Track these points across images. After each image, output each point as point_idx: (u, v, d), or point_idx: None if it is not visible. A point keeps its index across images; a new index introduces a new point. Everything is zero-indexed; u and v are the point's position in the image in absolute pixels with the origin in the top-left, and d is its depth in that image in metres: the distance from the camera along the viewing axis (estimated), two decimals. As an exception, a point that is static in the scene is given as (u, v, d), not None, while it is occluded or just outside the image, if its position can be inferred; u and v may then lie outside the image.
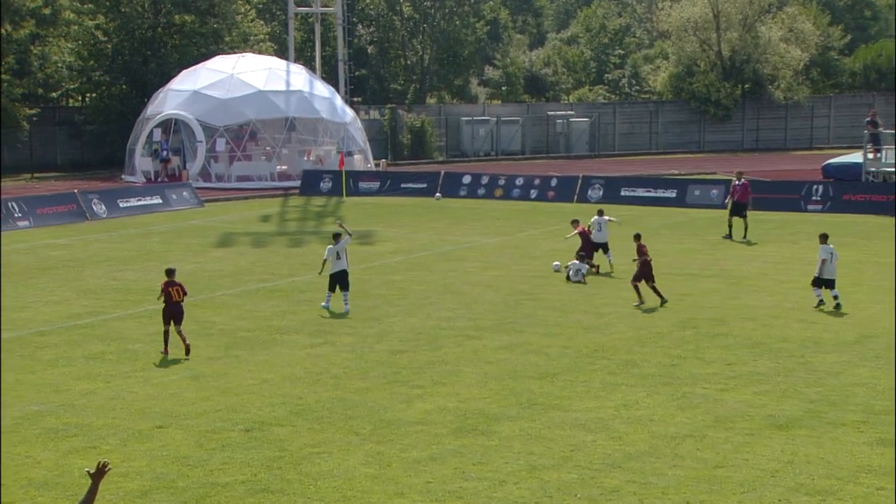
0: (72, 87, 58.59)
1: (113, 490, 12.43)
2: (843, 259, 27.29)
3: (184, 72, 50.18)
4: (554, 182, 43.45)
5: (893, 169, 40.48)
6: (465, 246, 31.23)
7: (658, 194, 41.06)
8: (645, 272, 22.54)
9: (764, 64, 65.72)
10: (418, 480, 12.79)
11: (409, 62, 72.60)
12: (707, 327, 20.47)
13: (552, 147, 64.16)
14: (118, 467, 13.08)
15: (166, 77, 51.38)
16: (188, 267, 27.85)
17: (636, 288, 22.45)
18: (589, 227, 27.06)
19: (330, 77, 57.07)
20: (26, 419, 15.18)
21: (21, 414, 15.42)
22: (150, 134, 47.97)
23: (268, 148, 48.77)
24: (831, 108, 67.57)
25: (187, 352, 18.61)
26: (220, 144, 47.13)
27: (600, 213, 27.84)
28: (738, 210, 31.81)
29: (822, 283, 22.01)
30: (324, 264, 22.58)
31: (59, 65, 54.98)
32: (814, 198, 38.62)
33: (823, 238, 22.28)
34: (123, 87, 55.99)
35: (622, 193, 41.57)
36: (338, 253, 22.11)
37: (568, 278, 25.17)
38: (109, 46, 55.58)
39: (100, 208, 38.74)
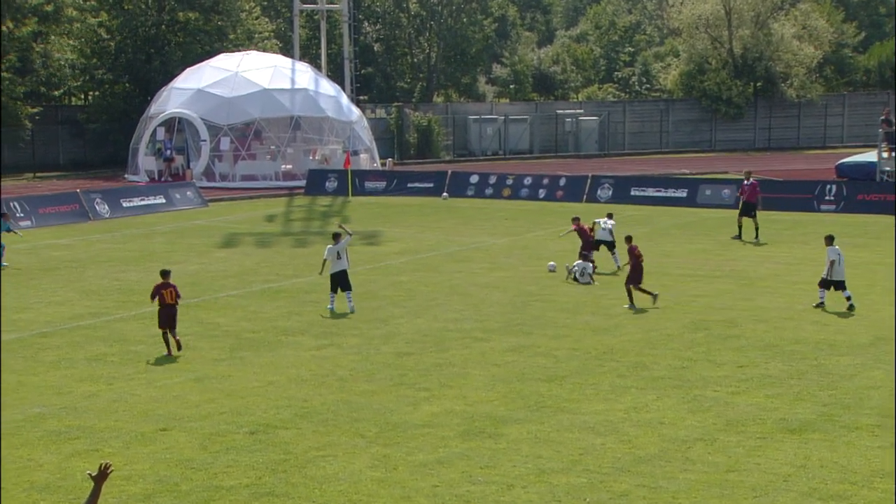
0: (74, 85, 58.78)
1: (115, 493, 12.45)
2: (857, 260, 27.26)
3: (187, 70, 50.29)
4: (563, 182, 43.43)
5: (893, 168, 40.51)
6: (472, 246, 31.23)
7: (668, 194, 41.03)
8: (636, 274, 22.53)
9: (776, 62, 65.63)
10: (425, 484, 12.79)
11: (415, 60, 72.63)
12: (718, 329, 20.44)
13: (561, 146, 64.15)
14: (121, 470, 13.10)
15: (170, 75, 51.50)
16: (192, 267, 27.90)
17: (629, 291, 22.51)
18: (593, 225, 27.06)
19: (336, 75, 57.15)
20: (28, 421, 15.22)
21: (23, 416, 15.45)
22: (154, 133, 48.08)
23: (272, 147, 48.85)
24: (845, 106, 67.46)
25: (178, 347, 18.75)
26: (225, 143, 47.22)
27: (610, 216, 27.79)
28: (747, 210, 31.77)
29: (829, 284, 22.00)
30: (324, 264, 22.63)
31: (62, 63, 55.12)
32: (827, 198, 38.55)
33: (829, 240, 22.29)
34: (126, 85, 56.14)
35: (632, 193, 41.55)
36: (338, 253, 22.15)
37: (575, 279, 25.14)
38: (112, 44, 55.74)
39: (102, 208, 38.83)
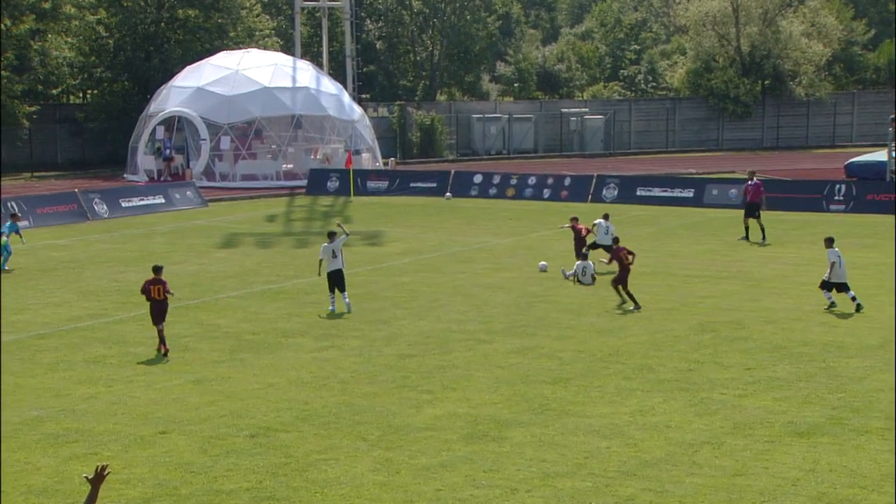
0: (73, 83, 58.82)
1: (114, 497, 12.46)
2: (867, 261, 27.24)
3: (187, 68, 50.32)
4: (567, 181, 43.42)
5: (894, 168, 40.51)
6: (475, 247, 31.24)
7: (675, 194, 41.00)
8: (623, 276, 22.57)
9: (785, 59, 65.57)
10: (428, 488, 12.79)
11: (418, 58, 72.64)
12: (725, 331, 20.42)
13: (566, 145, 64.13)
14: (119, 474, 13.12)
15: (169, 73, 51.54)
16: (191, 268, 27.92)
17: (617, 290, 22.60)
18: (593, 227, 27.09)
19: (337, 73, 57.17)
20: (26, 424, 15.23)
21: (20, 419, 15.47)
22: (153, 132, 48.11)
23: (273, 146, 48.87)
24: (854, 104, 67.38)
25: (163, 351, 18.83)
26: (225, 142, 47.24)
27: (606, 217, 27.85)
28: (751, 211, 31.79)
29: (831, 286, 22.02)
30: (320, 264, 22.66)
31: (60, 61, 55.17)
32: (836, 198, 38.51)
33: (829, 241, 22.34)
34: (125, 83, 56.18)
35: (638, 193, 41.53)
36: (333, 251, 22.22)
37: (578, 281, 25.13)
38: (111, 42, 55.79)
39: (101, 208, 38.87)
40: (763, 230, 31.46)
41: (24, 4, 52.18)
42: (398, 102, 62.79)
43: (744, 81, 64.86)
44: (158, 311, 18.92)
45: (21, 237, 29.26)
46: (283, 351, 19.28)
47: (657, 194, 41.24)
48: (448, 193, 43.61)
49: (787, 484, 12.86)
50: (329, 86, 50.54)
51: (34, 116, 53.11)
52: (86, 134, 55.71)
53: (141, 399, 16.39)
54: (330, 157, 48.69)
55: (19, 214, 30.33)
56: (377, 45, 70.66)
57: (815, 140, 66.49)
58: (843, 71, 72.86)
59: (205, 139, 47.00)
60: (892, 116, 42.63)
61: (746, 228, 31.84)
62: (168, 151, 47.76)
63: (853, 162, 45.40)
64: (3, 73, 51.35)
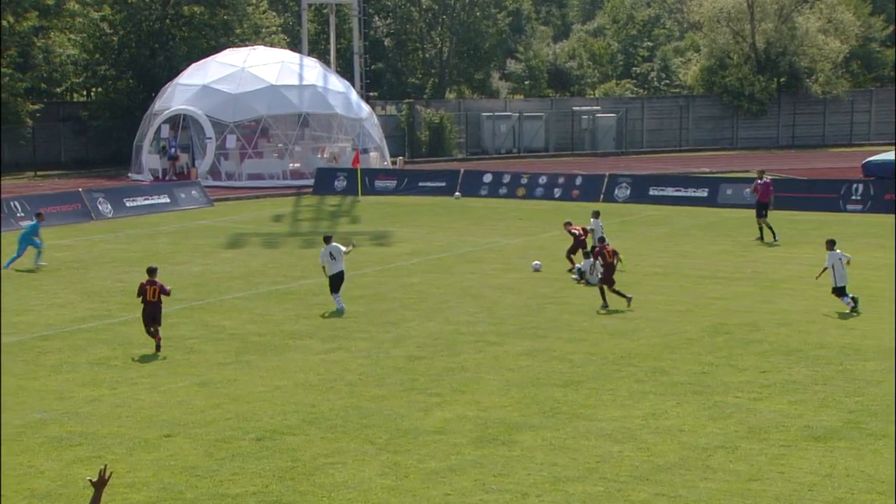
0: (76, 81, 59.00)
1: (119, 501, 12.49)
2: (882, 262, 27.16)
3: (193, 65, 50.43)
4: (579, 181, 43.40)
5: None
6: (485, 247, 31.24)
7: (688, 193, 40.95)
8: (608, 276, 22.68)
9: (801, 56, 65.42)
10: (437, 492, 12.80)
11: (427, 55, 72.66)
12: (740, 333, 20.39)
13: (577, 144, 64.09)
14: (124, 477, 13.15)
15: (174, 71, 51.66)
16: (197, 269, 27.98)
17: (602, 292, 22.66)
18: (590, 230, 27.13)
19: (345, 71, 57.21)
20: (29, 427, 15.28)
21: (23, 422, 15.52)
22: (158, 130, 48.22)
23: (280, 145, 48.95)
24: (872, 102, 67.18)
25: (157, 348, 19.09)
26: (231, 141, 47.34)
27: (596, 214, 27.92)
28: (759, 210, 31.85)
29: (838, 292, 22.02)
30: (324, 269, 22.86)
31: (64, 58, 55.33)
32: (853, 197, 38.42)
33: (830, 244, 22.33)
34: (130, 81, 56.31)
35: (650, 192, 41.49)
36: (330, 254, 22.60)
37: (587, 282, 25.10)
38: (115, 39, 55.94)
39: (105, 208, 38.97)
40: (772, 229, 31.47)
41: (28, 1, 52.33)
42: (407, 100, 62.83)
43: (759, 79, 64.72)
44: (152, 313, 19.21)
45: (40, 238, 29.07)
46: (290, 353, 19.31)
47: (670, 194, 41.19)
48: (457, 193, 43.62)
49: (803, 489, 12.83)
50: (336, 83, 50.60)
51: (37, 115, 53.29)
52: (90, 132, 55.86)
53: (145, 402, 16.43)
54: (337, 155, 48.74)
55: (43, 215, 30.35)
56: (385, 42, 70.69)
57: (832, 139, 66.32)
58: (861, 68, 72.64)
59: (210, 138, 47.09)
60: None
61: (760, 228, 31.84)
62: (173, 150, 47.85)
63: (871, 161, 45.25)
64: (5, 70, 51.54)
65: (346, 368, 18.21)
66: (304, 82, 49.10)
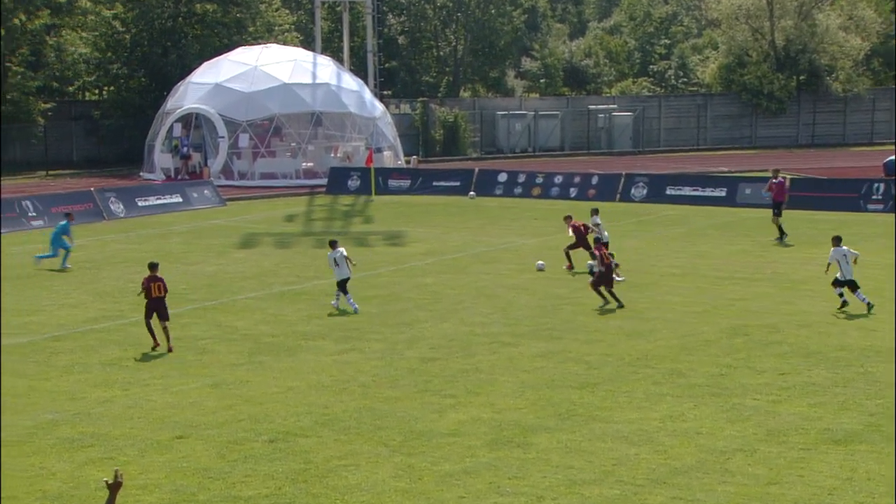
0: (88, 80, 59.24)
1: (131, 503, 12.54)
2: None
3: (205, 64, 50.58)
4: (595, 180, 43.35)
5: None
6: (500, 247, 31.23)
7: (706, 193, 40.85)
8: (605, 278, 22.77)
9: (821, 54, 65.17)
10: (451, 495, 12.80)
11: (441, 53, 72.70)
12: (758, 334, 20.33)
13: (593, 143, 64.02)
14: (136, 479, 13.20)
15: (187, 69, 51.82)
16: (209, 269, 28.06)
17: (598, 292, 22.76)
18: (594, 227, 27.10)
19: (358, 69, 57.30)
20: (40, 428, 15.35)
21: (35, 423, 15.59)
22: (170, 129, 48.37)
23: (293, 144, 49.04)
24: (894, 100, 66.84)
25: (169, 350, 19.35)
26: (243, 140, 47.46)
27: (595, 211, 27.95)
28: (775, 209, 31.80)
29: (843, 283, 22.12)
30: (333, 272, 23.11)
31: (76, 57, 55.57)
32: (874, 197, 38.25)
33: (836, 241, 22.40)
34: (142, 79, 56.52)
35: (667, 192, 41.41)
36: (335, 260, 22.86)
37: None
38: (128, 37, 56.14)
39: (117, 207, 39.12)
40: (780, 228, 31.44)
41: (40, -1, 52.62)
42: (421, 99, 62.87)
43: (778, 77, 64.51)
44: (155, 308, 19.50)
45: (71, 239, 29.02)
46: (303, 354, 19.35)
47: (688, 193, 41.09)
48: (472, 192, 43.62)
49: (823, 493, 12.78)
50: (350, 82, 50.67)
51: (49, 113, 53.55)
52: (102, 131, 56.08)
53: (158, 403, 16.49)
54: (351, 155, 48.80)
55: (73, 214, 30.45)
56: (399, 40, 70.75)
57: (853, 137, 66.07)
58: (882, 66, 72.32)
59: (223, 137, 47.21)
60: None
61: (779, 228, 31.76)
62: (185, 149, 47.99)
63: (892, 160, 45.06)
64: (17, 69, 51.81)
65: (359, 370, 18.23)
66: (318, 81, 49.18)
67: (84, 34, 56.27)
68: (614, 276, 24.57)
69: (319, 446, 14.47)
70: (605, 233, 27.29)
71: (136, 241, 33.25)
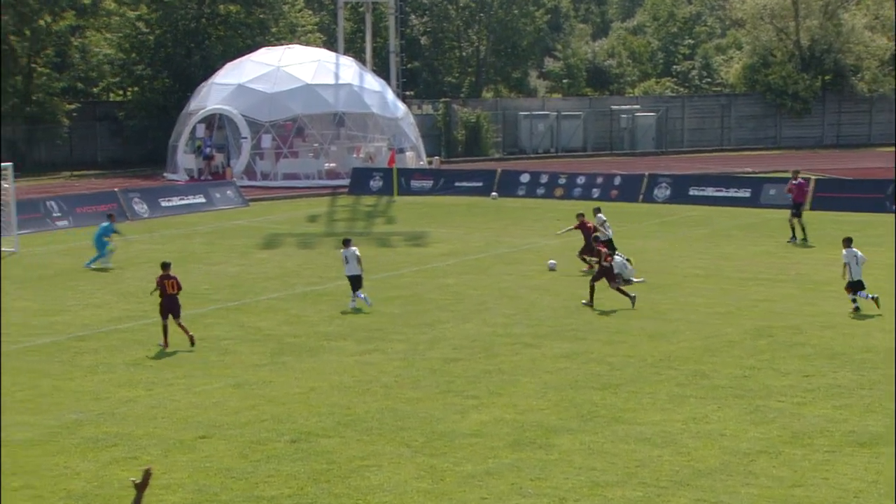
0: (113, 80, 59.56)
1: (154, 502, 12.61)
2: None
3: (228, 64, 50.77)
4: (618, 181, 43.24)
5: None
6: (522, 248, 31.20)
7: (730, 194, 40.67)
8: (604, 275, 22.80)
9: (846, 54, 64.77)
10: (473, 496, 12.80)
11: (464, 54, 72.69)
12: (783, 336, 20.23)
13: (616, 143, 63.86)
14: (160, 479, 13.27)
15: (210, 70, 52.03)
16: (232, 269, 28.17)
17: (592, 288, 22.82)
18: (601, 225, 27.04)
19: (381, 70, 57.37)
20: (65, 428, 15.46)
21: (59, 423, 15.70)
22: (193, 130, 48.58)
23: (315, 144, 49.16)
24: (919, 101, 66.39)
25: (192, 342, 19.72)
26: (266, 141, 47.61)
27: (598, 210, 27.92)
28: (795, 210, 31.69)
29: (860, 285, 22.02)
30: None
31: (100, 58, 55.90)
32: (900, 197, 37.97)
33: (847, 242, 22.35)
34: (166, 80, 56.79)
35: (691, 193, 41.25)
36: (346, 258, 23.05)
37: (624, 279, 24.94)
38: (152, 38, 56.44)
39: (141, 208, 39.34)
40: (794, 230, 31.32)
41: (65, 1, 52.93)
42: (443, 99, 62.87)
43: (803, 77, 64.15)
44: (170, 305, 19.81)
45: (112, 239, 29.10)
46: (326, 354, 19.40)
47: (711, 194, 40.93)
48: (494, 193, 43.59)
49: (848, 496, 12.71)
50: (372, 82, 50.74)
51: (74, 114, 53.88)
52: (126, 132, 56.38)
53: (181, 403, 16.57)
54: (373, 155, 48.87)
55: (114, 215, 30.63)
56: (422, 41, 70.80)
57: (879, 137, 65.56)
58: (908, 65, 71.77)
59: (246, 137, 47.38)
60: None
61: (803, 229, 31.61)
62: (209, 150, 48.19)
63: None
64: (43, 70, 52.20)
65: (381, 370, 18.26)
66: (340, 81, 49.28)
67: (108, 35, 56.59)
68: (631, 277, 24.54)
69: (342, 447, 14.50)
70: (610, 231, 27.17)
71: (159, 242, 33.42)
